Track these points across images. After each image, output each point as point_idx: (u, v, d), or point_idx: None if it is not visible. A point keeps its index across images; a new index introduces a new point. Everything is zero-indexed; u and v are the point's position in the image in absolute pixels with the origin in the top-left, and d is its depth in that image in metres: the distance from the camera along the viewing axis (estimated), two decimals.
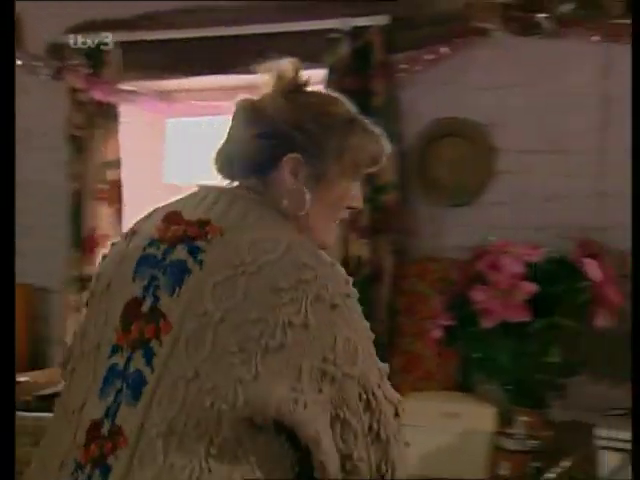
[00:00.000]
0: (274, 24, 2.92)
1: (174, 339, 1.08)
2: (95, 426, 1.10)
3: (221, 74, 3.04)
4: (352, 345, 1.10)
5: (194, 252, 1.11)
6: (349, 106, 1.26)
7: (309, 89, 1.27)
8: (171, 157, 3.25)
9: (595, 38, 2.66)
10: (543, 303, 2.47)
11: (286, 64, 1.26)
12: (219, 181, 1.26)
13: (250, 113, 1.24)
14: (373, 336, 1.16)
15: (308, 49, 2.96)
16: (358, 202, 1.29)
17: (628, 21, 2.59)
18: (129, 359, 1.10)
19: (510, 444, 2.42)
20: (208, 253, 1.11)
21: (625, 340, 2.66)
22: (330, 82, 2.83)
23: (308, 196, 1.20)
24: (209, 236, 1.12)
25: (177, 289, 1.10)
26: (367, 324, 1.15)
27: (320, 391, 1.07)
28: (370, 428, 1.11)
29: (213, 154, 1.28)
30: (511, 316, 2.30)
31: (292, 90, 1.25)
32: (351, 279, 1.15)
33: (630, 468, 2.30)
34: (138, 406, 1.07)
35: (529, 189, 2.83)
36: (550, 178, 2.81)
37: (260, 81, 1.27)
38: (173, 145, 3.25)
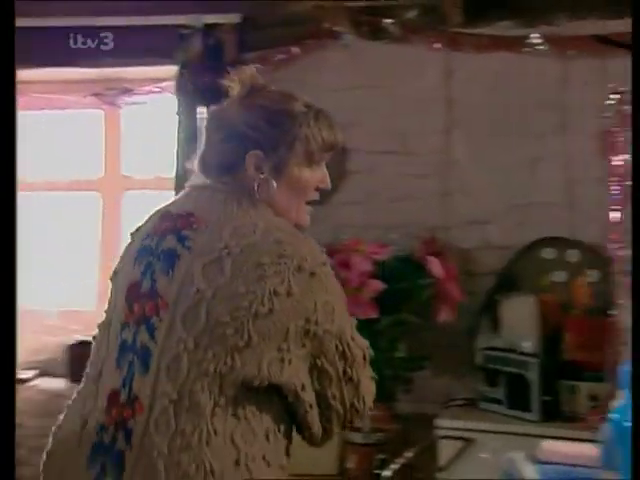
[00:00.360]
0: (126, 17, 2.85)
1: (172, 315, 1.27)
2: (114, 394, 1.29)
3: (67, 67, 2.93)
4: (330, 306, 1.30)
5: (182, 240, 1.32)
6: (299, 101, 1.42)
7: (265, 91, 1.44)
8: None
9: (437, 45, 2.77)
10: (390, 300, 2.55)
11: (243, 72, 1.44)
12: (194, 179, 1.46)
13: (216, 120, 1.44)
14: (345, 296, 1.36)
15: (160, 45, 2.93)
16: (324, 184, 1.45)
17: (468, 30, 2.72)
18: (135, 334, 1.30)
19: (357, 438, 2.48)
20: (195, 240, 1.31)
21: (464, 334, 2.80)
22: (182, 78, 2.79)
23: (274, 184, 1.38)
24: (194, 226, 1.33)
25: (170, 272, 1.30)
26: (340, 286, 1.35)
27: (303, 346, 1.28)
28: (344, 372, 1.33)
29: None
30: (361, 313, 2.35)
31: (248, 95, 1.43)
32: (324, 249, 1.34)
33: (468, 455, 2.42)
34: (148, 376, 1.26)
35: (378, 189, 2.91)
36: (398, 178, 2.89)
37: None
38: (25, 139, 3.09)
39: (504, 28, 2.75)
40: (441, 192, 2.90)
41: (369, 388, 1.37)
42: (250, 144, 1.38)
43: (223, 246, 1.28)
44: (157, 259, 1.33)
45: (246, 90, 1.42)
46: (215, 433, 1.23)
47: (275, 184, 1.38)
